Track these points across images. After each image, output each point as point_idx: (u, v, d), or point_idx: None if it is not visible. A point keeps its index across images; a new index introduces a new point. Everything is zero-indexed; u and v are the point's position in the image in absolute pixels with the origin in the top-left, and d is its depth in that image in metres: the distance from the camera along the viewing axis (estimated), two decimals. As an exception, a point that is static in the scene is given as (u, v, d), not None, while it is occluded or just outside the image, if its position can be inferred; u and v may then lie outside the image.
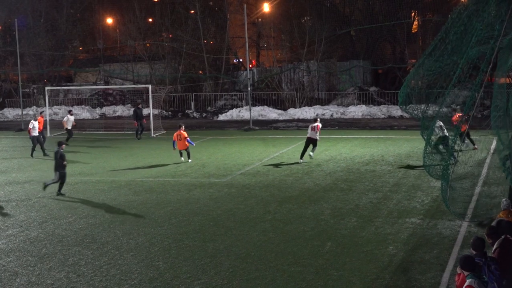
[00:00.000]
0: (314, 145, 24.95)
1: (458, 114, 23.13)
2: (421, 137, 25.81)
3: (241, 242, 14.36)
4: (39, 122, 30.23)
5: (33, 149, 28.71)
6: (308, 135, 24.89)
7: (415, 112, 19.71)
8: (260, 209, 17.36)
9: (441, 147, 22.03)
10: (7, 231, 15.93)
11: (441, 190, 15.77)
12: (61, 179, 19.96)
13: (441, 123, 23.97)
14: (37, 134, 28.91)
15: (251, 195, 19.24)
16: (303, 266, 12.56)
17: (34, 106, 51.43)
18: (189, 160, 25.36)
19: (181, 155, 25.46)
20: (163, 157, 27.18)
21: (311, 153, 25.10)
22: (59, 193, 19.98)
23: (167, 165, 25.07)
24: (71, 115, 32.94)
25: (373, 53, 52.07)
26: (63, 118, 33.45)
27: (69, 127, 32.13)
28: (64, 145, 20.31)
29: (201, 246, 14.10)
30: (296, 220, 16.14)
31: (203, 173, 23.22)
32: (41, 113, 32.56)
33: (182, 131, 25.04)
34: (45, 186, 20.08)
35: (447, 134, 23.88)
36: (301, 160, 24.79)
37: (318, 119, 25.95)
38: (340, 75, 50.19)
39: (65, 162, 19.85)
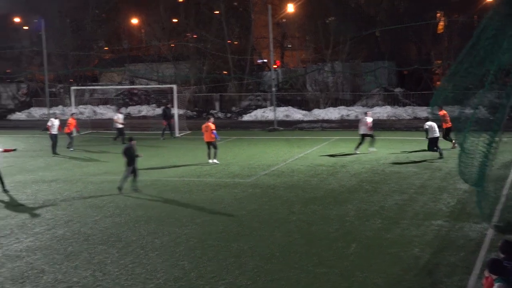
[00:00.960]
0: (372, 138, 26.84)
1: (443, 111, 23.98)
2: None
3: (265, 242, 14.35)
4: (70, 123, 30.66)
5: (54, 147, 29.16)
6: (361, 132, 26.35)
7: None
8: (284, 210, 17.34)
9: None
10: (34, 229, 16.12)
11: (476, 196, 15.49)
12: (134, 173, 20.21)
13: (430, 123, 24.28)
14: (56, 133, 29.28)
15: (275, 195, 19.22)
16: (328, 268, 12.51)
17: (61, 106, 52.09)
18: (215, 160, 25.16)
19: (209, 156, 25.27)
20: (188, 157, 27.29)
21: (370, 148, 26.74)
22: (134, 186, 20.26)
23: (192, 165, 25.15)
24: (121, 113, 33.57)
25: (398, 54, 51.72)
26: (114, 116, 33.91)
27: (120, 126, 32.55)
28: (134, 141, 20.48)
29: (225, 246, 14.12)
30: (320, 221, 16.10)
31: (228, 173, 23.26)
32: (72, 114, 32.84)
33: (210, 123, 24.93)
34: (119, 188, 20.07)
35: (437, 135, 24.31)
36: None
37: (369, 113, 27.33)
38: (365, 76, 49.94)
39: (139, 155, 20.44)
